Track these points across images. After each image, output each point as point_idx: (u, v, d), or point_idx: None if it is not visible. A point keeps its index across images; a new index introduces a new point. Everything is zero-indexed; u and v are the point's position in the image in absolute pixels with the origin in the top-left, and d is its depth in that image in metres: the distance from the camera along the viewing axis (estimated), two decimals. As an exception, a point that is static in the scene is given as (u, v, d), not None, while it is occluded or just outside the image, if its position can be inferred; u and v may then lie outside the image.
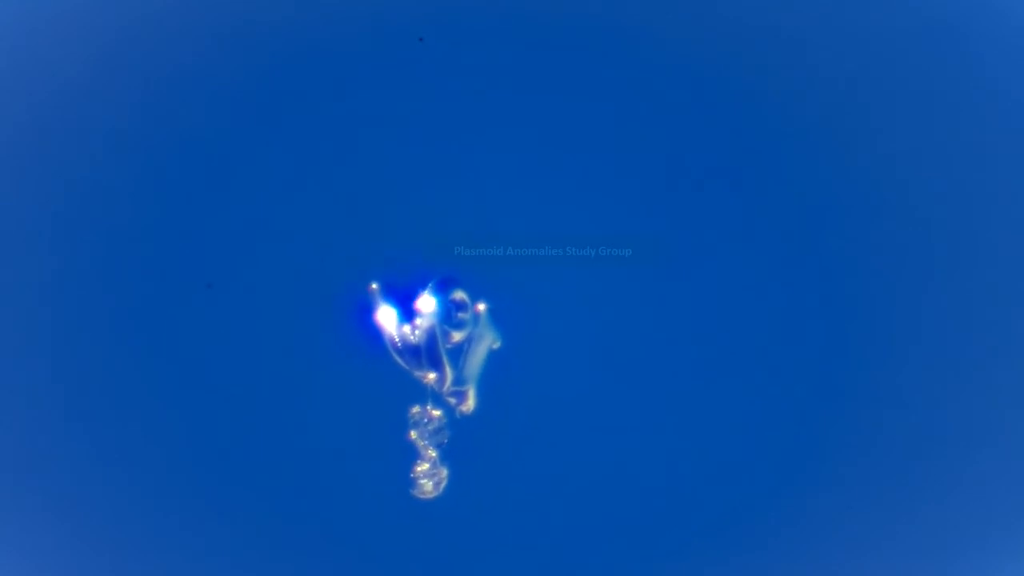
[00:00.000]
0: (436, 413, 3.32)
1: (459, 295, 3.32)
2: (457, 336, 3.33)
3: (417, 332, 3.23)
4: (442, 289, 3.30)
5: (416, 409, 3.31)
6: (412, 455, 3.33)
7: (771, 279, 3.45)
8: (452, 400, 3.32)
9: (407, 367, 3.27)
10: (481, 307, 3.32)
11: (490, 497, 3.41)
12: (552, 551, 3.41)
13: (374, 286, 3.23)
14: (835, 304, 3.45)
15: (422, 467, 3.32)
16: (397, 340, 3.20)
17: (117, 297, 3.42)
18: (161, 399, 3.40)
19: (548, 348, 3.43)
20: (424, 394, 3.31)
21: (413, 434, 3.30)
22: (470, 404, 3.34)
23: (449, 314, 3.31)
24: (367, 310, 3.32)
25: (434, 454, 3.31)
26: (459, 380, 3.31)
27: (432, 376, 3.27)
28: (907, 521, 3.41)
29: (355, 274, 3.41)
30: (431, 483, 3.33)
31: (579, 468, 3.42)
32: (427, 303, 3.27)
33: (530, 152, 3.47)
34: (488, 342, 3.31)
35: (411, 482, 3.33)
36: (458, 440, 3.40)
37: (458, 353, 3.34)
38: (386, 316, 3.27)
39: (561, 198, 3.46)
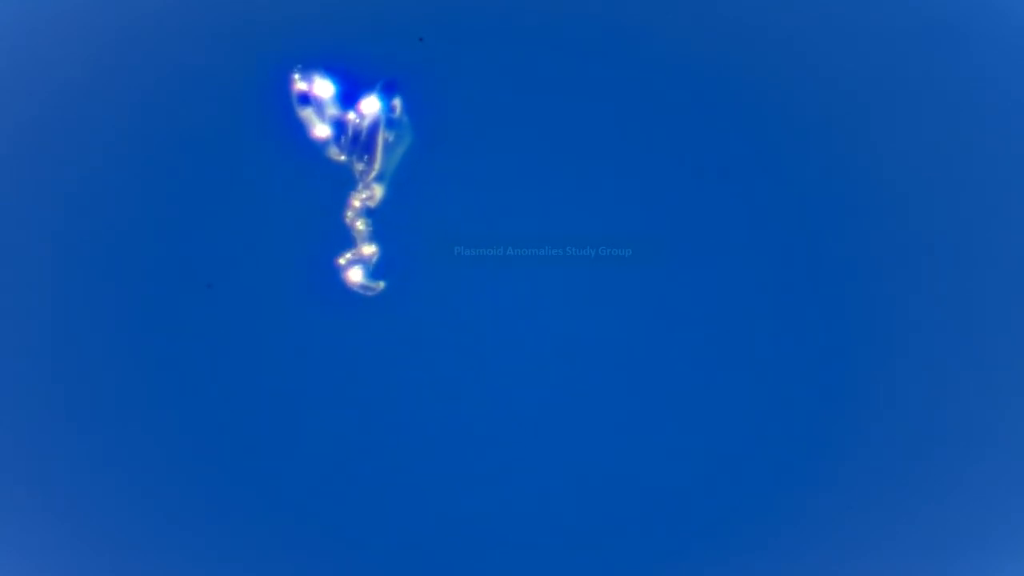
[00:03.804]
0: (363, 198, 3.38)
1: (395, 99, 3.40)
2: (385, 135, 3.39)
3: (360, 122, 3.28)
4: (388, 90, 3.36)
5: (354, 196, 3.36)
6: (346, 244, 3.39)
7: (771, 279, 3.45)
8: (367, 192, 3.38)
9: (338, 152, 3.32)
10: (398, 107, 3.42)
11: (484, 506, 3.42)
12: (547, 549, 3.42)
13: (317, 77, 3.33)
14: (835, 304, 3.45)
15: (354, 253, 3.36)
16: (332, 114, 3.27)
17: (117, 297, 3.42)
18: (160, 398, 3.41)
19: (548, 348, 3.43)
20: (353, 180, 3.36)
21: (350, 216, 3.35)
22: (377, 197, 3.39)
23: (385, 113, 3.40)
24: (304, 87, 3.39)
25: (373, 247, 3.36)
26: (379, 176, 3.38)
27: (360, 165, 3.33)
28: (907, 521, 3.42)
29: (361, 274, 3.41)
30: (362, 272, 3.37)
31: (579, 470, 3.42)
32: (373, 100, 3.33)
33: (530, 152, 3.47)
34: (405, 144, 3.38)
35: (343, 269, 3.39)
36: (458, 436, 3.41)
37: (380, 149, 3.42)
38: (324, 90, 3.35)
39: (561, 198, 3.46)
